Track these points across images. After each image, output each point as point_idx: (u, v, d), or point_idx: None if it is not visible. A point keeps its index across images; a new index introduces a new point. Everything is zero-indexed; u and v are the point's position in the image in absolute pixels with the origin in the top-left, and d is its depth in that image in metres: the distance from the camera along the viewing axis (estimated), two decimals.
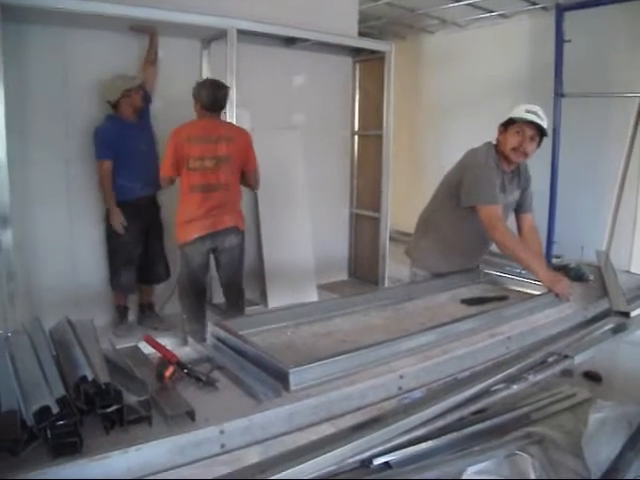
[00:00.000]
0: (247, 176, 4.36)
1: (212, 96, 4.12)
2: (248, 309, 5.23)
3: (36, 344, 1.74)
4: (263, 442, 1.57)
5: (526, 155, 3.11)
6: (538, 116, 3.03)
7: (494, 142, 3.22)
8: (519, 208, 3.36)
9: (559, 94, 5.93)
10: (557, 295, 2.88)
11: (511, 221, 3.39)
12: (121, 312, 4.84)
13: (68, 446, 1.41)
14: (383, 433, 1.66)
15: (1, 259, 3.95)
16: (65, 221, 4.65)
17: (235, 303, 4.49)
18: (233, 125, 4.40)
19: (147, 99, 4.77)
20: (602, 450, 2.26)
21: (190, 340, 2.24)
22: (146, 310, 5.01)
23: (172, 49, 4.96)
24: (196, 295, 4.36)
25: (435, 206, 3.39)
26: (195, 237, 4.15)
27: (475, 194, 3.05)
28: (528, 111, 3.03)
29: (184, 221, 4.18)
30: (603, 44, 6.52)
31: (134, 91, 4.51)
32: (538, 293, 2.98)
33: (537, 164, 3.21)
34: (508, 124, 3.09)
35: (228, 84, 4.56)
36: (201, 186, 4.11)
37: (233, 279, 4.42)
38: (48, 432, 1.41)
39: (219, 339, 2.13)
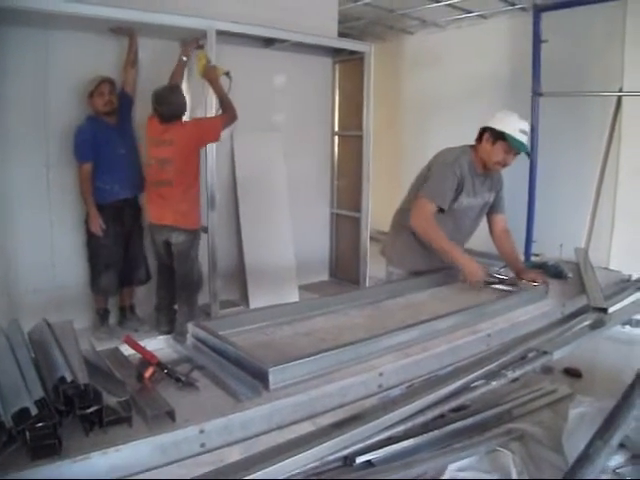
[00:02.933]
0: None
1: (156, 109, 4.37)
2: (229, 310, 5.26)
3: (14, 346, 1.73)
4: (243, 441, 1.58)
5: (505, 167, 3.16)
6: (527, 134, 3.07)
7: (472, 143, 3.23)
8: (492, 210, 3.38)
9: (537, 93, 5.96)
10: (465, 281, 3.02)
11: (483, 223, 3.43)
12: (102, 315, 4.81)
13: (47, 448, 1.41)
14: (364, 430, 1.67)
15: None
16: (45, 224, 4.62)
17: (181, 296, 4.69)
18: (179, 126, 4.39)
19: (128, 101, 4.75)
20: (582, 444, 2.29)
21: (170, 341, 2.23)
22: (127, 313, 4.99)
23: (152, 50, 4.94)
24: (161, 268, 4.82)
25: (408, 205, 3.39)
26: (152, 222, 4.61)
27: (425, 187, 3.10)
28: (521, 131, 3.05)
29: (147, 204, 4.70)
30: (580, 44, 6.58)
31: (96, 94, 4.46)
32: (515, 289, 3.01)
33: (515, 163, 3.21)
34: (498, 137, 3.07)
35: (203, 88, 4.72)
36: (151, 180, 4.55)
37: (180, 272, 4.64)
38: (27, 434, 1.40)
39: (199, 339, 2.13)
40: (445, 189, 3.07)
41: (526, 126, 3.10)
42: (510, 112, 3.15)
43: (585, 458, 2.10)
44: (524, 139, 3.07)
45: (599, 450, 2.11)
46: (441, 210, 3.09)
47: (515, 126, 3.05)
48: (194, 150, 4.46)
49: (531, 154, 5.99)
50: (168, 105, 4.31)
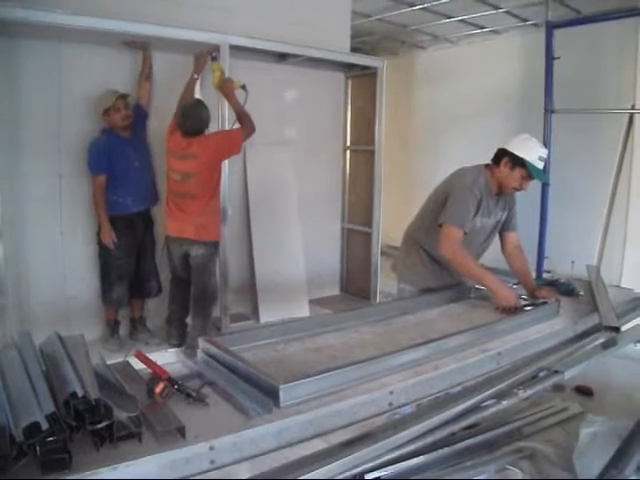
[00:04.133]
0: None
1: (181, 125, 4.34)
2: (240, 324, 5.26)
3: (26, 359, 1.74)
4: (253, 458, 1.57)
5: (520, 191, 3.17)
6: (544, 161, 3.07)
7: (486, 163, 3.22)
8: (504, 227, 3.37)
9: (549, 110, 5.97)
10: (498, 307, 2.99)
11: (495, 240, 3.41)
12: (112, 327, 4.81)
13: (57, 462, 1.41)
14: (374, 449, 1.67)
15: None
16: (57, 235, 4.63)
17: (196, 309, 4.64)
18: (203, 139, 4.37)
19: (142, 115, 4.78)
20: (593, 464, 2.28)
21: (180, 355, 2.24)
22: (138, 325, 4.98)
23: (166, 64, 4.97)
24: (175, 281, 4.78)
25: (422, 222, 3.39)
26: (170, 234, 4.55)
27: (448, 213, 3.07)
28: (540, 158, 3.04)
29: (166, 217, 4.59)
30: (592, 61, 6.59)
31: (112, 110, 4.45)
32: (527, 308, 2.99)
33: None
34: (517, 163, 3.05)
35: (217, 101, 4.71)
36: (172, 192, 4.51)
37: (197, 285, 4.60)
38: (37, 448, 1.41)
39: (210, 355, 2.13)
40: (468, 213, 3.06)
41: (545, 153, 3.08)
42: (530, 137, 3.13)
43: None
44: (542, 166, 3.07)
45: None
46: None
47: (536, 154, 3.04)
48: (217, 163, 4.47)
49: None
50: (195, 120, 4.31)
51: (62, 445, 1.43)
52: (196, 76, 4.83)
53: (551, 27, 5.91)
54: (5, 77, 4.17)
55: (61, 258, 4.68)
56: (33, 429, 1.41)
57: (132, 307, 4.96)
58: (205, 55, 4.82)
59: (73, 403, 1.50)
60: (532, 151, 3.05)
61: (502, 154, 3.12)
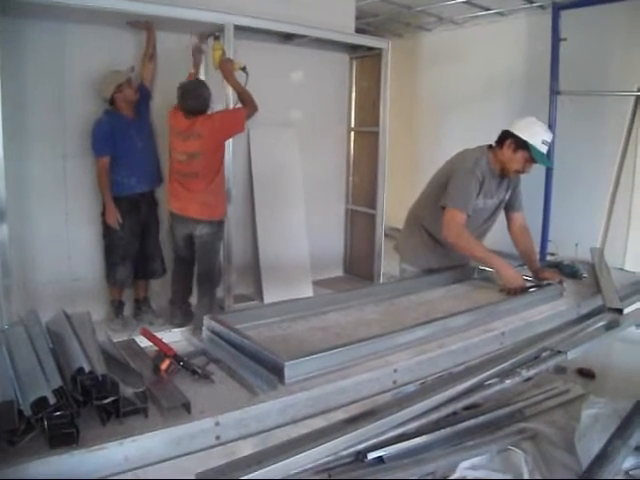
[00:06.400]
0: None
1: (182, 104, 4.36)
2: (244, 304, 5.27)
3: (33, 336, 1.75)
4: (258, 434, 1.59)
5: (522, 173, 3.16)
6: (548, 145, 3.04)
7: (489, 144, 3.20)
8: (509, 207, 3.35)
9: (555, 92, 5.94)
10: (503, 289, 3.00)
11: (501, 221, 3.40)
12: (116, 307, 4.84)
13: (65, 437, 1.43)
14: (377, 426, 1.68)
15: None
16: (61, 216, 4.66)
17: (202, 288, 4.67)
18: (206, 118, 4.37)
19: (146, 95, 4.78)
20: (594, 446, 2.28)
21: (186, 333, 2.25)
22: (142, 305, 5.02)
23: (170, 44, 4.95)
24: (178, 261, 4.85)
25: (425, 203, 3.38)
26: (173, 211, 4.59)
27: (451, 196, 3.05)
28: (544, 142, 3.01)
29: (169, 195, 4.65)
30: (599, 43, 6.53)
31: (125, 85, 4.50)
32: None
33: None
34: (520, 146, 3.02)
35: (222, 81, 4.67)
36: (176, 171, 4.51)
37: (203, 264, 4.64)
38: (45, 423, 1.42)
39: (215, 332, 2.14)
40: (471, 196, 3.04)
41: (550, 137, 3.05)
42: (535, 120, 3.09)
43: (604, 457, 2.10)
44: (545, 150, 3.04)
45: (618, 449, 2.11)
46: None
47: (540, 137, 3.00)
48: (221, 142, 4.49)
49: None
50: (195, 99, 4.31)
51: (69, 420, 1.45)
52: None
53: (557, 8, 5.87)
54: (10, 58, 4.15)
55: (66, 239, 4.70)
56: (41, 404, 1.42)
57: (136, 288, 5.00)
58: (198, 51, 4.87)
59: (80, 378, 1.51)
60: (536, 134, 3.01)
61: (506, 136, 3.09)
